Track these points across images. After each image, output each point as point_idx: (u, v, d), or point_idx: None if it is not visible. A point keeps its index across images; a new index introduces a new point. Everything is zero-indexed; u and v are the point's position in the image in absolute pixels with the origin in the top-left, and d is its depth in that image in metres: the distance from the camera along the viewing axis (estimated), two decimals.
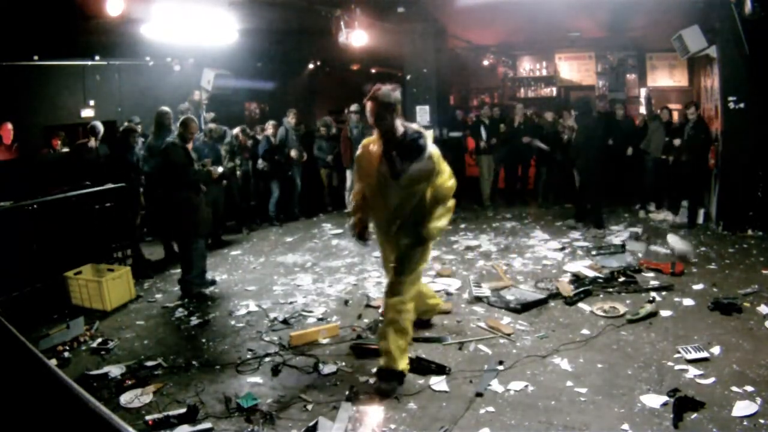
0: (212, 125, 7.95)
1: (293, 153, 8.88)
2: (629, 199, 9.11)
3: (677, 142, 7.98)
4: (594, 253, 6.51)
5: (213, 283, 6.07)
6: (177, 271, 6.14)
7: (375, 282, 5.92)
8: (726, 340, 4.12)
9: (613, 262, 6.14)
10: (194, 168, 5.65)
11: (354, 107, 9.23)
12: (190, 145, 5.73)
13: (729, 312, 4.60)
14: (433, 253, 6.86)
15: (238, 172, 8.48)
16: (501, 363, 3.93)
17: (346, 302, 5.37)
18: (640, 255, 6.37)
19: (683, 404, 3.21)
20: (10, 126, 7.10)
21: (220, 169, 6.43)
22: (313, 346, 4.39)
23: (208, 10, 6.93)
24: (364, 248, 5.99)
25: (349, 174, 9.39)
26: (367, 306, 5.22)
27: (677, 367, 3.74)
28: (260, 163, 8.71)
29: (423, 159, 3.53)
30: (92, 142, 7.26)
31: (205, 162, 6.00)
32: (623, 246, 6.63)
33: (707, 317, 4.60)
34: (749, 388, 3.41)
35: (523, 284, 5.61)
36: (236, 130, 8.60)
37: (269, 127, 8.94)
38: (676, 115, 9.24)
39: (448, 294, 5.45)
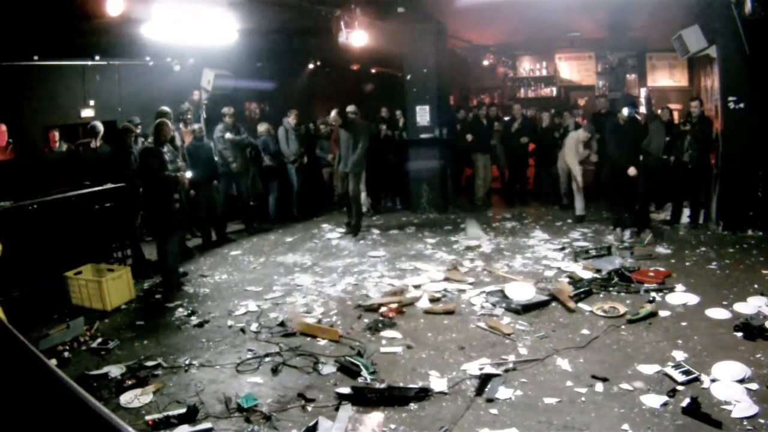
0: (228, 113, 8.21)
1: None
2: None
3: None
4: (582, 258, 6.27)
5: (184, 275, 6.41)
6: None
7: (375, 282, 5.93)
8: (726, 340, 4.12)
9: (605, 264, 5.99)
10: (165, 173, 5.82)
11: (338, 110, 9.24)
12: (165, 149, 5.99)
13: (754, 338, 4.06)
14: (436, 254, 6.91)
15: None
16: (501, 363, 3.93)
17: (345, 303, 5.37)
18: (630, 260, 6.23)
19: (695, 406, 3.18)
20: (3, 127, 7.08)
21: (189, 174, 6.54)
22: (313, 346, 4.39)
23: (207, 10, 6.92)
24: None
25: None
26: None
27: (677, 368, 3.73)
28: (267, 160, 8.92)
29: None
30: (95, 142, 7.26)
31: (179, 165, 6.13)
32: (609, 248, 6.48)
33: (707, 317, 4.58)
34: (750, 388, 3.41)
35: None
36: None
37: (262, 128, 9.10)
38: (676, 115, 9.23)
39: (450, 294, 5.45)
